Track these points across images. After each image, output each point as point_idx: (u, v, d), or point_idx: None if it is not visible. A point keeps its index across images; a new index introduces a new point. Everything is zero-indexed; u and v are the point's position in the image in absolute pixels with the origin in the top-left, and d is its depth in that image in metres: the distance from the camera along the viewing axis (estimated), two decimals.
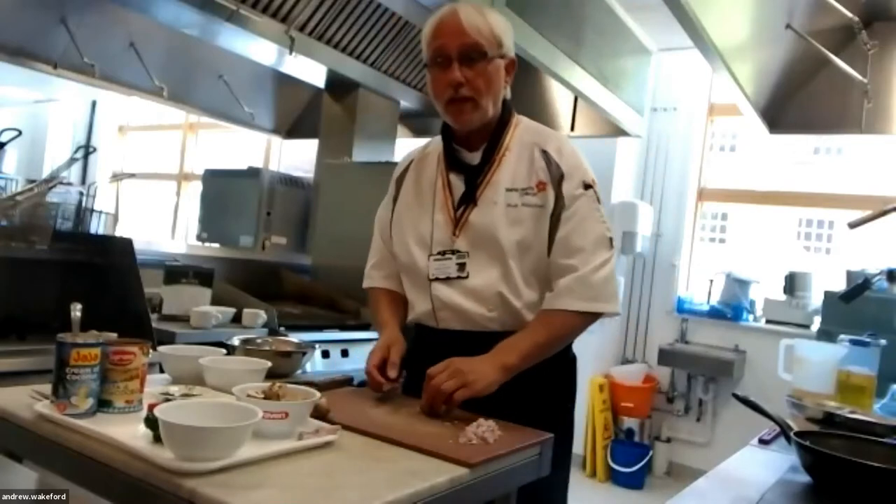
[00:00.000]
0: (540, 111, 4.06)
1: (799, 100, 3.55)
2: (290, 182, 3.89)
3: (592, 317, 1.38)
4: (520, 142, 1.44)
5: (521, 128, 1.47)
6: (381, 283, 1.58)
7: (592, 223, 1.38)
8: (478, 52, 1.36)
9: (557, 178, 1.39)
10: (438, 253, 1.43)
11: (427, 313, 1.45)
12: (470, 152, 1.45)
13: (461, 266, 1.40)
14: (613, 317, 1.44)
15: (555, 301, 1.37)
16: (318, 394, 1.11)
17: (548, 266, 1.39)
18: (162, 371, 1.34)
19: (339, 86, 3.69)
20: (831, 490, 1.20)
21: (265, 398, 1.05)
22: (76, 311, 1.24)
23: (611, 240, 1.41)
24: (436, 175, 1.48)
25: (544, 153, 1.41)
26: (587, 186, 1.40)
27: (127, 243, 2.15)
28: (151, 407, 0.94)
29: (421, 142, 4.88)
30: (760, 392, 2.71)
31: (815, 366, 2.17)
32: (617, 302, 1.41)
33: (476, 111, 1.39)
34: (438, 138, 1.51)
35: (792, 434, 1.29)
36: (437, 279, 1.42)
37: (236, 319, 2.62)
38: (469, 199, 1.42)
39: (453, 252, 1.41)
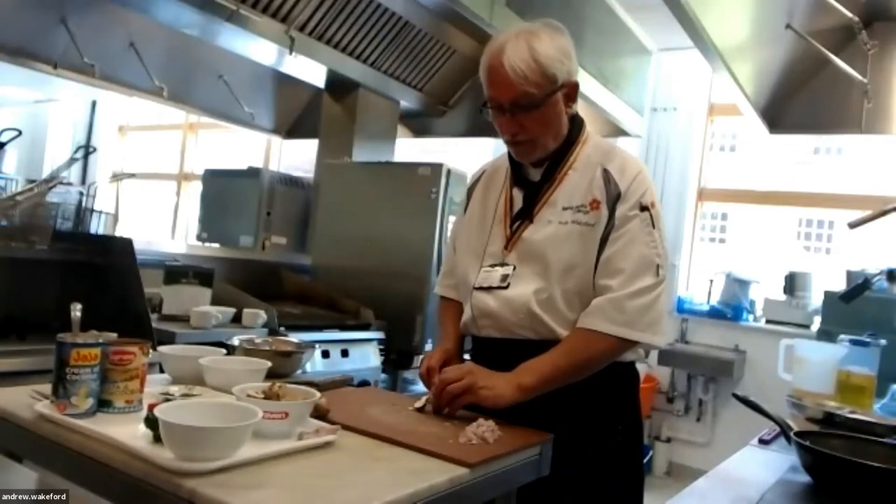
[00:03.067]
0: None
1: (799, 100, 3.55)
2: (290, 182, 3.89)
3: (624, 343, 1.30)
4: (586, 160, 1.40)
5: (590, 145, 1.43)
6: (446, 293, 1.61)
7: (640, 246, 1.32)
8: (528, 100, 1.32)
9: (614, 198, 1.34)
10: (489, 265, 1.43)
11: (470, 320, 1.46)
12: (534, 168, 1.44)
13: (504, 277, 1.40)
14: (655, 349, 1.40)
15: (584, 320, 1.32)
16: (318, 394, 1.11)
17: (591, 288, 1.34)
18: (162, 371, 1.34)
19: (339, 86, 3.69)
20: (831, 490, 1.20)
21: (265, 398, 1.05)
22: (76, 311, 1.24)
23: (658, 267, 1.33)
24: (501, 188, 1.49)
25: (605, 172, 1.36)
26: (643, 208, 1.34)
27: (127, 243, 2.15)
28: (151, 407, 0.94)
29: (421, 142, 4.88)
30: (760, 392, 2.71)
31: (815, 366, 2.17)
32: (657, 333, 1.32)
33: (535, 150, 1.39)
34: None
35: (792, 434, 1.29)
36: (479, 288, 1.42)
37: (236, 319, 2.61)
38: (525, 216, 1.41)
39: (502, 265, 1.41)
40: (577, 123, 1.43)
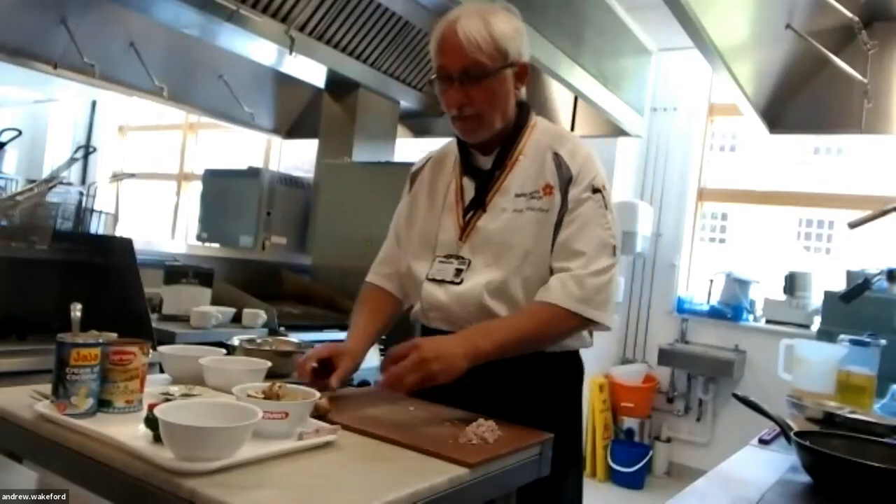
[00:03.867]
0: (540, 111, 4.02)
1: (799, 100, 3.55)
2: (290, 182, 3.89)
3: (579, 321, 1.30)
4: (535, 146, 1.40)
5: (538, 130, 1.43)
6: (379, 281, 1.55)
7: (596, 228, 1.33)
8: (479, 70, 1.31)
9: (566, 182, 1.34)
10: (444, 256, 1.41)
11: (419, 311, 1.45)
12: (484, 156, 1.42)
13: (458, 272, 1.38)
14: (604, 331, 1.37)
15: (542, 294, 1.30)
16: (318, 394, 1.11)
17: (549, 274, 1.34)
18: (162, 371, 1.34)
19: (339, 86, 3.70)
20: (831, 490, 1.20)
21: (265, 398, 1.05)
22: (76, 311, 1.24)
23: (614, 247, 1.34)
24: (450, 177, 1.47)
25: (556, 156, 1.36)
26: (595, 190, 1.34)
27: (127, 243, 2.15)
28: (151, 407, 0.94)
29: (421, 142, 4.87)
30: (760, 392, 2.71)
31: (815, 366, 2.17)
32: (609, 314, 1.32)
33: (482, 127, 1.36)
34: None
35: (792, 434, 1.29)
36: (432, 280, 1.40)
37: (236, 319, 2.62)
38: (478, 205, 1.39)
39: (457, 258, 1.39)
40: (525, 109, 1.43)
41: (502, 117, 1.38)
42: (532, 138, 1.41)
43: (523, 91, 1.42)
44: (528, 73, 1.41)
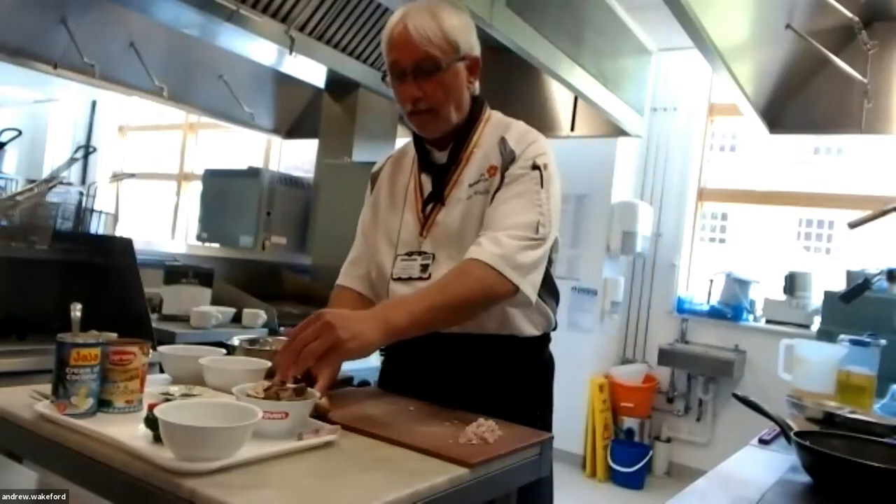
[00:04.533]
0: (540, 111, 4.06)
1: (799, 100, 3.55)
2: (290, 182, 3.89)
3: (496, 278, 1.21)
4: (488, 138, 1.40)
5: (491, 123, 1.43)
6: (350, 283, 1.53)
7: (523, 202, 1.29)
8: (431, 63, 1.31)
9: (508, 161, 1.33)
10: (406, 253, 1.41)
11: None
12: (440, 152, 1.43)
13: (424, 267, 1.37)
14: (524, 306, 1.30)
15: (467, 253, 1.25)
16: (318, 394, 1.11)
17: None
18: (162, 371, 1.34)
19: (339, 86, 3.70)
20: (831, 490, 1.20)
21: (265, 398, 1.05)
22: (76, 311, 1.24)
23: (539, 224, 1.28)
24: (409, 175, 1.47)
25: (502, 140, 1.37)
26: (535, 167, 1.32)
27: (127, 243, 2.16)
28: (151, 407, 0.94)
29: None
30: (760, 392, 2.71)
31: (815, 366, 2.17)
32: (529, 282, 1.25)
33: (437, 121, 1.36)
34: None
35: (792, 434, 1.29)
36: (398, 279, 1.40)
37: (236, 319, 2.62)
38: (436, 199, 1.39)
39: (419, 253, 1.39)
40: (478, 103, 1.43)
41: (457, 110, 1.38)
42: (486, 131, 1.42)
43: (476, 85, 1.43)
44: (480, 67, 1.41)
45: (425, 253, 1.38)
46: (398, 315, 1.15)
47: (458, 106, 1.37)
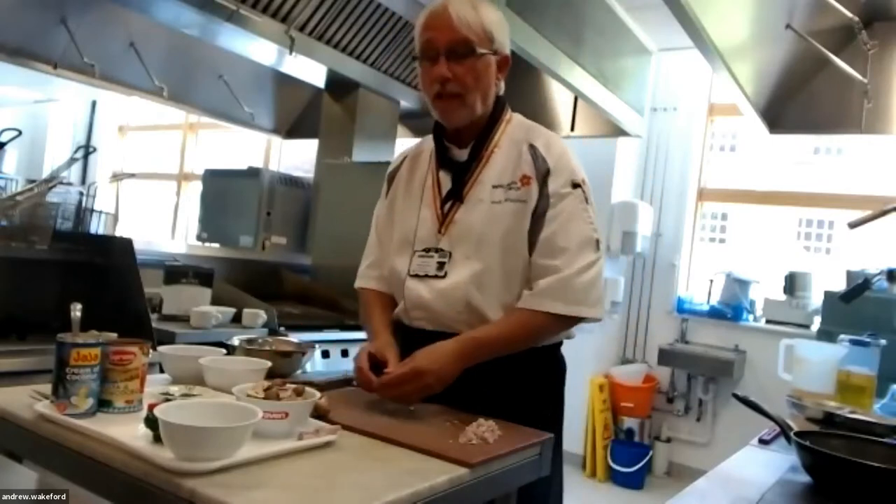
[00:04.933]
0: (540, 111, 4.06)
1: (799, 100, 3.55)
2: (290, 182, 3.89)
3: (572, 321, 1.34)
4: (510, 138, 1.41)
5: (513, 124, 1.44)
6: (374, 285, 1.54)
7: (579, 223, 1.34)
8: (466, 47, 1.33)
9: (543, 174, 1.35)
10: (423, 250, 1.41)
11: (402, 311, 1.44)
12: (460, 149, 1.43)
13: (441, 265, 1.38)
14: (594, 322, 1.39)
15: (533, 301, 1.32)
16: (318, 394, 1.11)
17: (528, 266, 1.35)
18: (162, 371, 1.34)
19: (339, 86, 3.69)
20: (831, 490, 1.20)
21: (265, 398, 1.05)
22: (76, 311, 1.24)
23: (598, 242, 1.36)
24: (427, 172, 1.47)
25: (532, 147, 1.37)
26: (575, 185, 1.35)
27: (127, 243, 2.15)
28: (151, 407, 0.94)
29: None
30: (760, 392, 2.71)
31: (815, 366, 2.17)
32: (600, 307, 1.36)
33: (463, 107, 1.37)
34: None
35: (792, 434, 1.29)
36: (414, 276, 1.40)
37: (236, 319, 2.61)
38: (455, 197, 1.39)
39: (437, 250, 1.39)
40: (501, 102, 1.44)
41: (483, 102, 1.38)
42: (507, 131, 1.43)
43: (502, 85, 1.44)
44: (508, 66, 1.43)
45: (442, 250, 1.39)
46: (480, 355, 1.29)
47: (483, 97, 1.38)
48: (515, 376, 1.36)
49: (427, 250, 1.40)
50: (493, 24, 1.36)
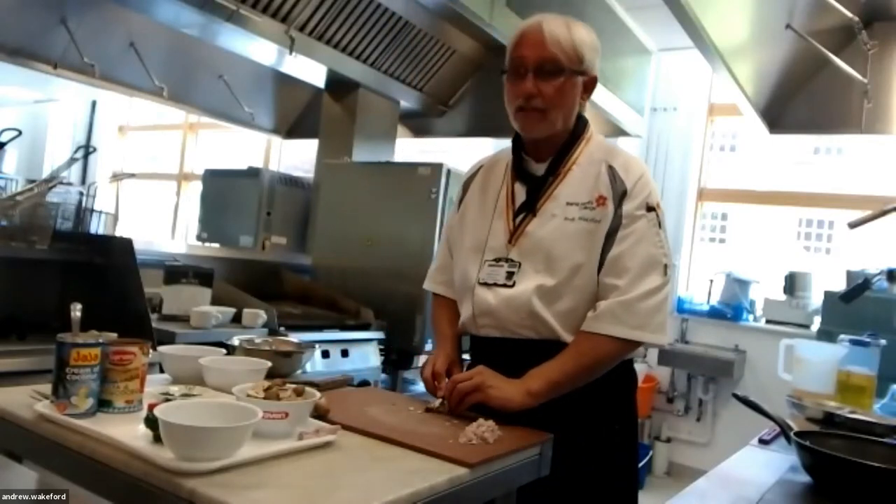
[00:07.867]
0: None
1: (799, 100, 3.55)
2: (290, 182, 3.89)
3: (633, 345, 1.32)
4: (589, 157, 1.41)
5: (593, 143, 1.44)
6: (441, 290, 1.59)
7: (647, 245, 1.33)
8: (555, 65, 1.34)
9: (619, 195, 1.35)
10: (493, 259, 1.42)
11: (469, 319, 1.45)
12: (537, 163, 1.43)
13: (510, 275, 1.38)
14: (659, 347, 1.41)
15: (594, 324, 1.31)
16: (318, 394, 1.11)
17: (597, 285, 1.35)
18: (162, 371, 1.34)
19: (339, 86, 3.69)
20: (831, 490, 1.20)
21: (265, 398, 1.05)
22: (76, 311, 1.24)
23: (666, 266, 1.34)
24: (501, 182, 1.48)
25: (610, 168, 1.37)
26: (650, 209, 1.35)
27: (127, 243, 2.15)
28: (151, 407, 0.94)
29: (421, 142, 4.86)
30: (760, 392, 2.71)
31: (815, 366, 2.17)
32: (664, 333, 1.34)
33: (543, 121, 1.37)
34: (510, 146, 1.50)
35: (792, 434, 1.29)
36: (483, 283, 1.41)
37: (236, 319, 2.61)
38: (529, 209, 1.40)
39: (507, 260, 1.40)
40: (582, 121, 1.45)
41: (564, 120, 1.39)
42: (587, 150, 1.43)
43: (586, 105, 1.46)
44: (595, 87, 1.44)
45: (512, 261, 1.39)
46: (537, 384, 1.29)
47: (566, 116, 1.39)
48: (586, 388, 1.34)
49: (497, 260, 1.41)
50: (585, 45, 1.38)
